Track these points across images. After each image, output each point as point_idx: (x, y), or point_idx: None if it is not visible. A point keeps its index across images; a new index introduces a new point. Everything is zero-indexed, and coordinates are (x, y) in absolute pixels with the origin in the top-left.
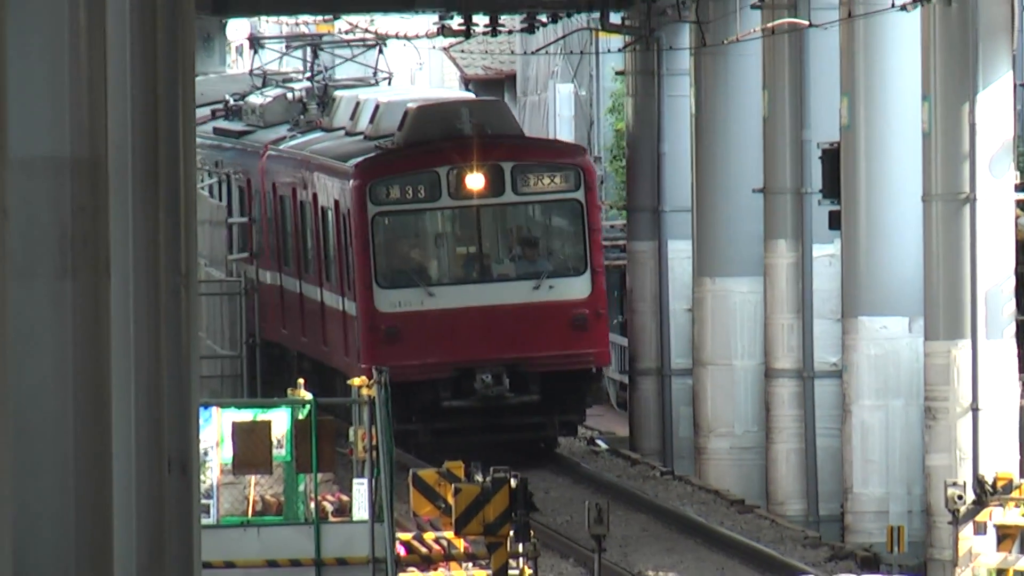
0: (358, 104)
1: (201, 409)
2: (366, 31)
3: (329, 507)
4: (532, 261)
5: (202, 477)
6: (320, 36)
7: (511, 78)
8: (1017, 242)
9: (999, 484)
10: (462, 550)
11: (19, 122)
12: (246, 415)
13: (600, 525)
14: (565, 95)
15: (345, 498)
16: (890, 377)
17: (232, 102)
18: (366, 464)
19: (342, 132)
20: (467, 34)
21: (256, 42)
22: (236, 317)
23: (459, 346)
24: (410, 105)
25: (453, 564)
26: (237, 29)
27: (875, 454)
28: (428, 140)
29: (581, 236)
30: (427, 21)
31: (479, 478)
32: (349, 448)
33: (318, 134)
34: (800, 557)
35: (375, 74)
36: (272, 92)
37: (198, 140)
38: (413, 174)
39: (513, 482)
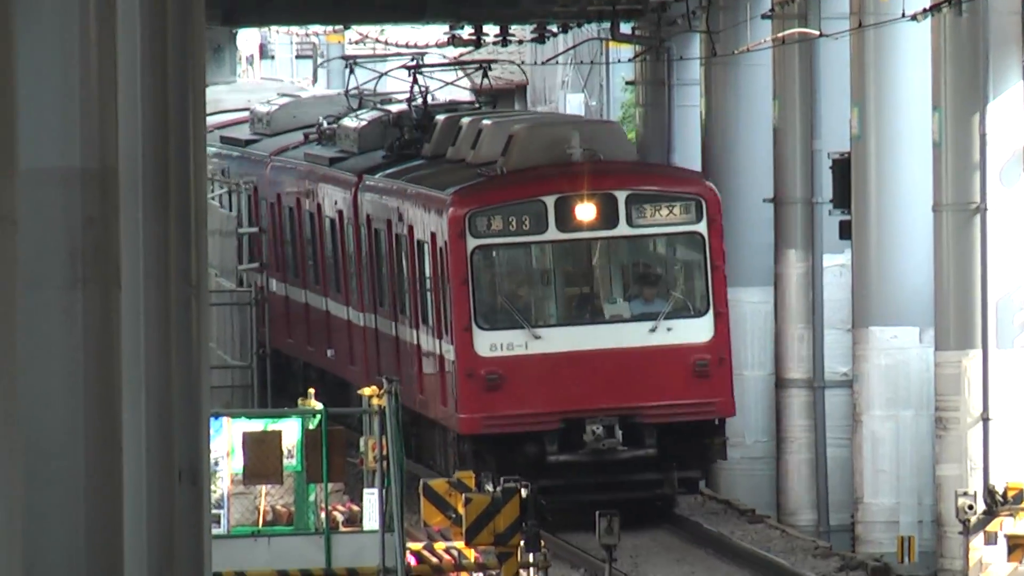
0: (460, 129)
1: (212, 419)
2: (463, 47)
3: (340, 517)
4: (649, 301)
5: (213, 487)
6: (422, 56)
7: (521, 88)
8: None
9: (1010, 494)
10: (473, 560)
11: (30, 133)
12: (257, 425)
13: (611, 535)
14: (575, 105)
15: (356, 508)
16: (900, 387)
17: (326, 126)
18: (377, 474)
19: (442, 159)
20: (477, 44)
21: (351, 62)
22: (247, 327)
23: (567, 394)
24: (515, 128)
25: (464, 574)
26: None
27: (885, 464)
28: (534, 166)
29: (703, 273)
30: (437, 31)
31: (489, 488)
32: (360, 458)
33: (415, 162)
34: (811, 567)
35: (478, 96)
36: (368, 115)
37: (290, 165)
38: (517, 204)
39: (523, 492)
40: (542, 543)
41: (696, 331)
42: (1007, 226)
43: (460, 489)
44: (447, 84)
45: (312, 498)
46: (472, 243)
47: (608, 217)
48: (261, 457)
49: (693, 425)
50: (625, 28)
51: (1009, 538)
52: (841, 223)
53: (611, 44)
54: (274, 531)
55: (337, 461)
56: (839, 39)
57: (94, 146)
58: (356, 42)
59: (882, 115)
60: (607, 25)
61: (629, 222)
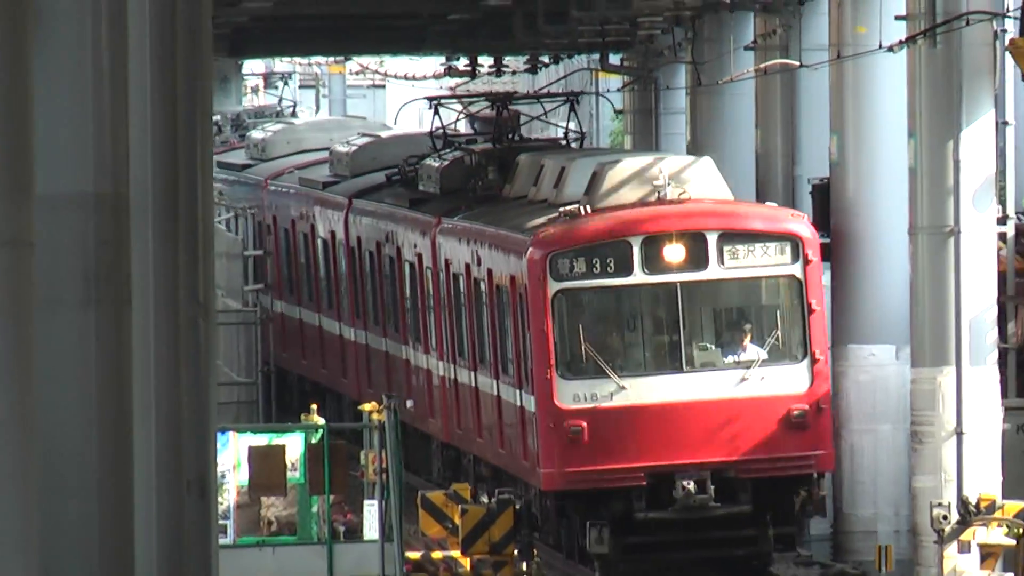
0: (541, 167)
1: (219, 434)
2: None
3: (341, 528)
4: (741, 348)
5: (219, 499)
6: (509, 94)
7: (515, 116)
8: (999, 273)
9: (982, 505)
10: (468, 569)
11: (45, 160)
12: (262, 440)
13: (600, 545)
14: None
15: (356, 519)
16: (879, 402)
17: (407, 167)
18: (377, 486)
19: (523, 200)
20: (472, 74)
21: (436, 103)
22: (252, 346)
23: (655, 448)
24: (599, 165)
25: None
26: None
27: (864, 476)
28: (620, 205)
29: (799, 318)
30: (434, 62)
31: (484, 499)
32: (360, 471)
33: (496, 204)
34: (792, 575)
35: (566, 134)
36: (450, 156)
37: (370, 209)
38: (601, 245)
39: (517, 504)
40: (535, 552)
41: (792, 380)
42: (980, 248)
43: (457, 501)
44: (532, 119)
45: (315, 509)
46: (554, 287)
47: (698, 258)
48: (266, 470)
49: (790, 480)
50: (614, 59)
51: (982, 547)
52: (821, 246)
53: (600, 74)
54: (278, 541)
55: (339, 474)
56: (819, 69)
57: (107, 172)
58: (356, 73)
59: (860, 142)
60: (596, 56)
61: (720, 263)
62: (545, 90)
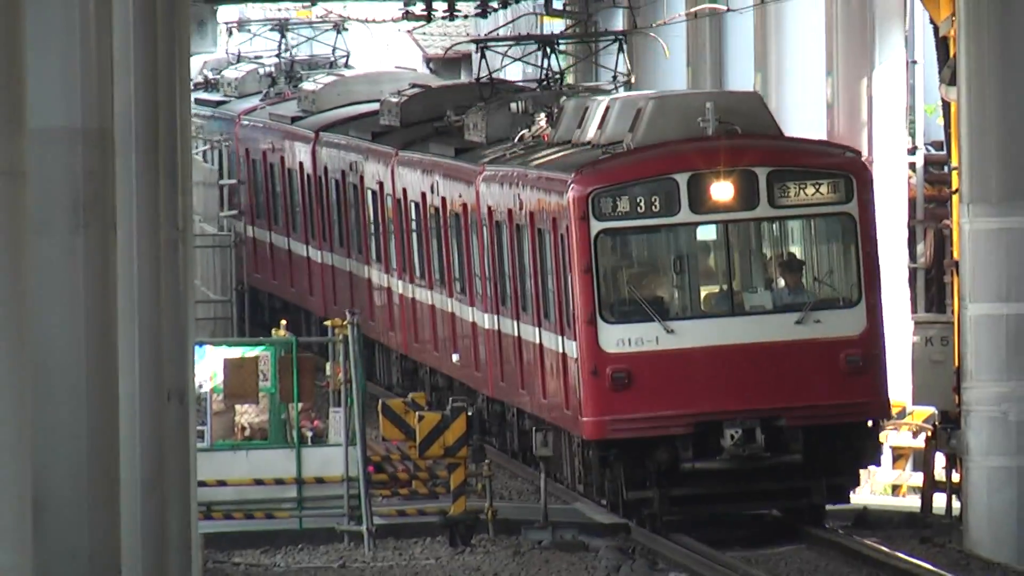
0: (585, 110)
1: (196, 347)
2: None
3: (308, 433)
4: (794, 290)
5: (197, 406)
6: (556, 35)
7: (467, 57)
8: (909, 199)
9: (894, 411)
10: (425, 470)
11: (36, 97)
12: (236, 352)
13: (546, 448)
14: (516, 73)
15: (322, 424)
16: None
17: (454, 118)
18: (341, 395)
19: (567, 144)
20: (428, 18)
21: (483, 46)
22: (227, 267)
23: (703, 395)
24: (644, 102)
25: (417, 483)
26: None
27: None
28: (665, 142)
29: (853, 259)
30: (393, 7)
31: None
32: (326, 381)
33: (539, 150)
34: None
35: (615, 76)
36: (495, 104)
37: (415, 160)
38: (646, 182)
39: (469, 411)
40: (486, 456)
41: (847, 323)
42: (891, 177)
43: (414, 408)
44: (576, 62)
45: (284, 416)
46: (597, 226)
47: (748, 197)
48: (239, 380)
49: (844, 428)
50: (557, 4)
51: (893, 449)
52: None
53: (545, 19)
54: (251, 445)
55: (306, 383)
56: (744, 13)
57: (93, 109)
58: (320, 18)
59: (782, 80)
60: (542, 2)
61: (771, 202)
62: (501, 31)
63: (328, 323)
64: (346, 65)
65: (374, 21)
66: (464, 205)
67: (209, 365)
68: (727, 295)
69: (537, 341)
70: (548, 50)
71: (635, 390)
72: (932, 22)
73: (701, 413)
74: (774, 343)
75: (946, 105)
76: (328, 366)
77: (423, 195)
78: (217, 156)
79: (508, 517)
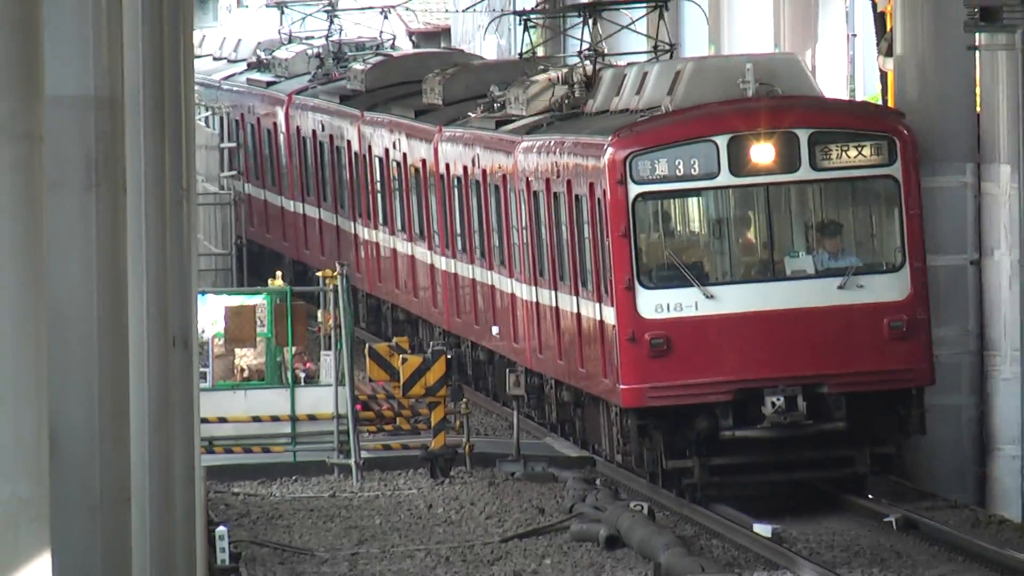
0: (624, 77)
1: (199, 296)
2: None
3: (301, 374)
4: (835, 254)
5: (200, 350)
6: (597, 2)
7: (447, 31)
8: None
9: None
10: (407, 408)
11: (53, 67)
12: (235, 300)
13: (518, 388)
14: (491, 46)
15: (314, 367)
16: None
17: (496, 94)
18: (332, 339)
19: (606, 113)
20: None
21: (526, 19)
22: (227, 223)
23: (744, 361)
24: (682, 64)
25: (400, 420)
26: None
27: None
28: (704, 104)
29: (897, 222)
30: None
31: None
32: (318, 327)
33: (577, 120)
34: None
35: (656, 46)
36: (537, 78)
37: (458, 135)
38: (684, 144)
39: (449, 355)
40: (464, 395)
41: (890, 288)
42: None
43: (398, 351)
44: (622, 28)
45: (279, 359)
46: (635, 190)
47: (789, 159)
48: (239, 326)
49: (888, 395)
50: None
51: None
52: None
53: None
54: (249, 385)
55: (299, 329)
56: None
57: (104, 78)
58: None
59: (733, 51)
60: None
61: (813, 164)
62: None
63: (320, 274)
64: (392, 47)
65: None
66: (504, 176)
67: (211, 312)
68: (768, 260)
69: (575, 310)
70: (591, 20)
71: (674, 357)
72: None
73: (741, 380)
74: (816, 308)
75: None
76: (319, 313)
77: (464, 168)
78: (218, 121)
79: (484, 451)
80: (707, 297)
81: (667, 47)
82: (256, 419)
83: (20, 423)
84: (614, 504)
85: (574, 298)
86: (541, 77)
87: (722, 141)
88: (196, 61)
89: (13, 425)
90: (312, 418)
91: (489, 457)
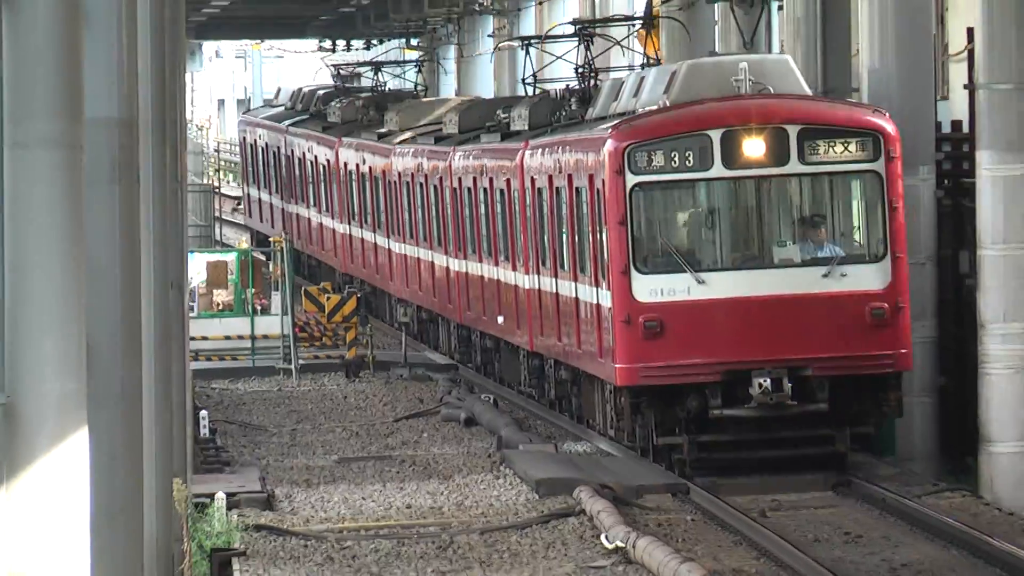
0: (622, 84)
1: (189, 253)
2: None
3: (258, 307)
4: (821, 244)
5: (188, 291)
6: (591, 20)
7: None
8: None
9: None
10: (331, 330)
11: (89, 98)
12: (214, 257)
13: (405, 317)
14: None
15: (267, 302)
16: None
17: (502, 115)
18: (280, 284)
19: (605, 118)
20: (333, 49)
21: (527, 43)
22: (209, 205)
23: (732, 344)
24: (678, 64)
25: (326, 338)
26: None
27: None
28: (700, 100)
29: (880, 215)
30: (311, 43)
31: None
32: (269, 275)
33: (578, 125)
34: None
35: (646, 60)
36: (538, 96)
37: (469, 152)
38: (680, 138)
39: (359, 294)
40: (369, 322)
41: (872, 277)
42: None
43: (324, 292)
44: (610, 46)
45: (243, 297)
46: (632, 180)
47: (779, 153)
48: (216, 274)
49: (869, 379)
50: (414, 41)
51: None
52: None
53: (406, 50)
54: (223, 314)
55: (257, 276)
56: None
57: (124, 105)
58: (269, 49)
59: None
60: (403, 40)
61: (801, 159)
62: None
63: (272, 239)
64: (426, 93)
65: (298, 52)
66: (508, 180)
67: (197, 265)
68: (757, 248)
69: (573, 295)
70: (586, 41)
71: (666, 339)
72: None
73: (730, 362)
74: (802, 296)
75: None
76: (270, 265)
77: (474, 180)
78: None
79: (382, 360)
80: (699, 283)
81: (655, 64)
82: (227, 338)
83: (67, 339)
84: (470, 396)
85: (573, 284)
86: (541, 95)
87: (716, 135)
88: (240, 101)
89: (62, 341)
90: (266, 337)
91: (386, 364)
